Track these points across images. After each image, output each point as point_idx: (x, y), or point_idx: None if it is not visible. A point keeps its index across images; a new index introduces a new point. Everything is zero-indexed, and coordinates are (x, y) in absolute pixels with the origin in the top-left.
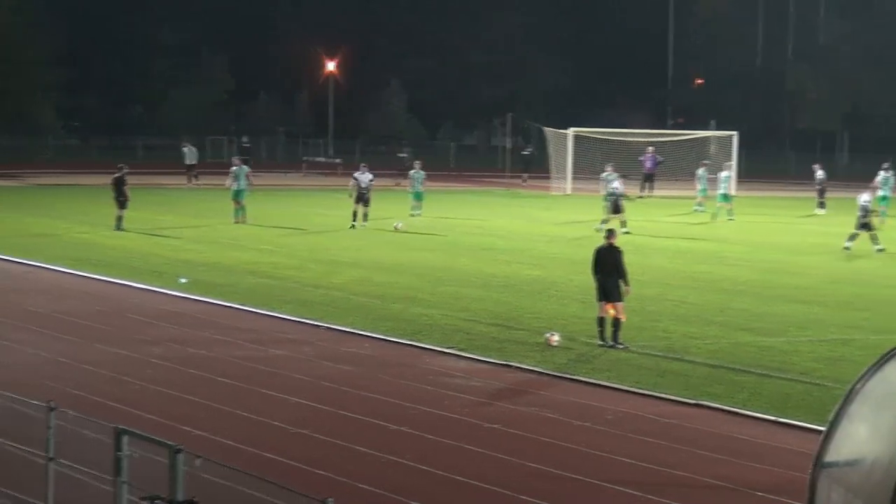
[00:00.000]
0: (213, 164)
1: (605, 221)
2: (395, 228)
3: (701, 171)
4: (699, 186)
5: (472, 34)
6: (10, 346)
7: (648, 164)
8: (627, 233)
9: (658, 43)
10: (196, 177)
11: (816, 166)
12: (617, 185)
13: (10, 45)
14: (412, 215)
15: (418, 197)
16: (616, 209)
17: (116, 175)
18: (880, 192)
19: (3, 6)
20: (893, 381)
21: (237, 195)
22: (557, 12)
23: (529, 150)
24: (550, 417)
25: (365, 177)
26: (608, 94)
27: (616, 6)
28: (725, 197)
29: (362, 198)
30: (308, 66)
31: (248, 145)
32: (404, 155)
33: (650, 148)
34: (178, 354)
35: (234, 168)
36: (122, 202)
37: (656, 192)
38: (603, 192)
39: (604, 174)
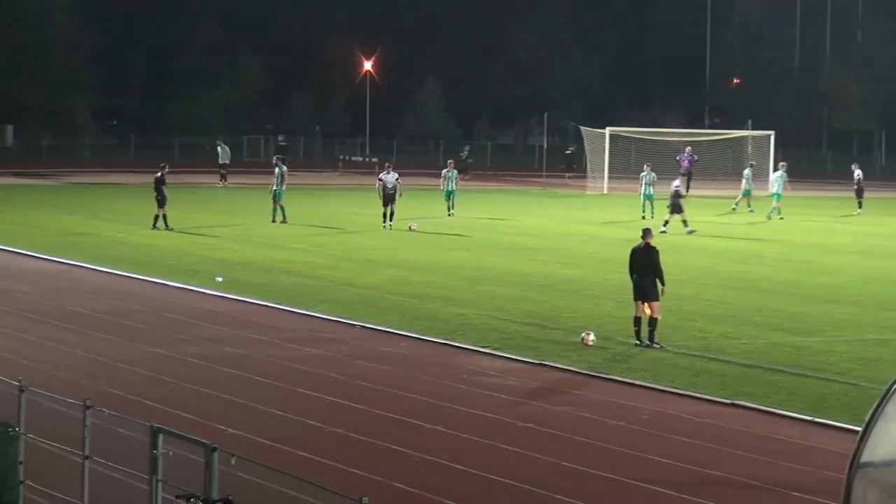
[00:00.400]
0: (251, 164)
1: (685, 223)
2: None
3: (747, 171)
4: (744, 186)
5: (507, 33)
6: (47, 345)
7: (686, 164)
8: (664, 232)
9: (696, 43)
10: (224, 177)
11: (854, 166)
12: (678, 183)
13: (47, 45)
14: (450, 215)
15: (451, 196)
16: (675, 209)
17: (157, 174)
18: None
19: (40, 7)
20: None
21: (275, 195)
22: (594, 12)
23: (572, 148)
24: (585, 417)
25: (390, 177)
26: (645, 94)
27: (654, 6)
28: (778, 196)
29: (388, 198)
30: (345, 66)
31: (284, 144)
32: (464, 153)
33: (688, 147)
34: (214, 353)
35: (276, 169)
36: (160, 201)
37: (693, 192)
38: (641, 191)
39: (643, 174)
